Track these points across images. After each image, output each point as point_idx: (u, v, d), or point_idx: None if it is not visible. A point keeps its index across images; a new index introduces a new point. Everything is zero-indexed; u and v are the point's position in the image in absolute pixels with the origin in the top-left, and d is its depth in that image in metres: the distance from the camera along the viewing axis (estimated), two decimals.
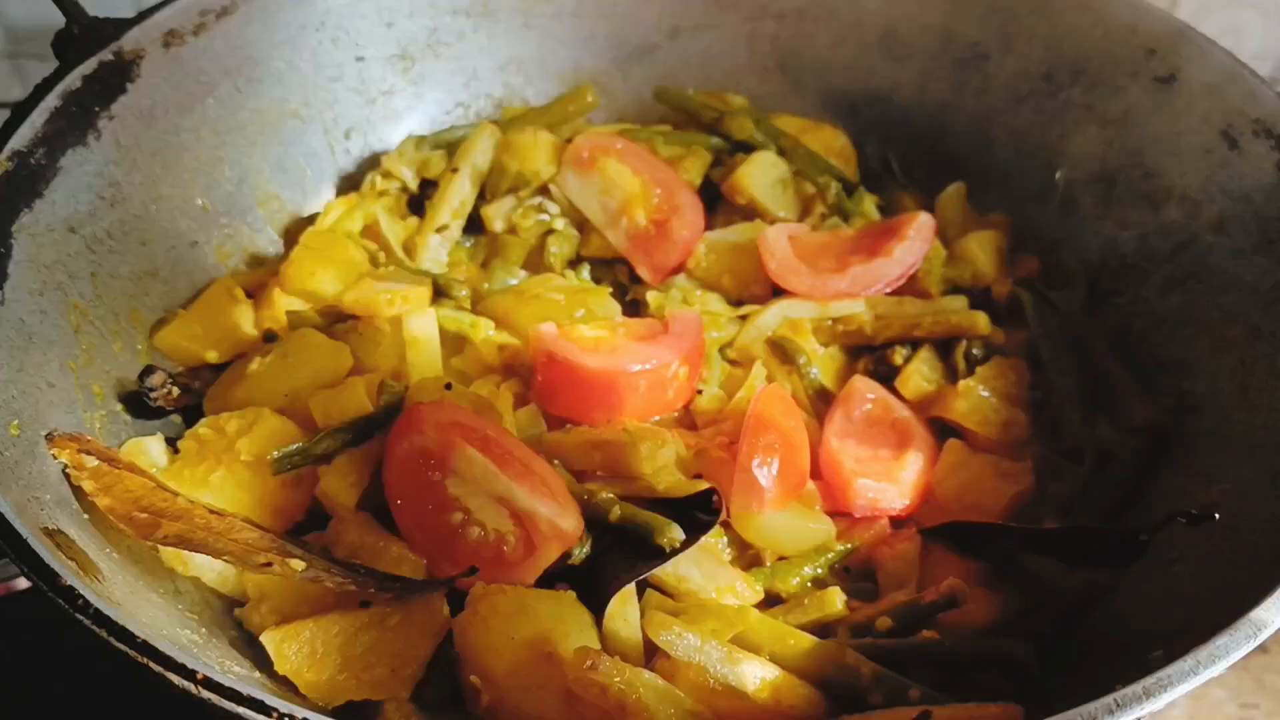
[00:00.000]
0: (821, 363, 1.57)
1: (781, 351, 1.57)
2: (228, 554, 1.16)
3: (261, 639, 1.17)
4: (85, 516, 1.19)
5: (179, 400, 1.45)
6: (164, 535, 1.16)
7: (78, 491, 1.20)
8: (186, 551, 1.22)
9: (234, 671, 1.10)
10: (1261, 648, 1.03)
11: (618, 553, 1.33)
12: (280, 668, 1.15)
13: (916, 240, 1.61)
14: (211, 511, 1.24)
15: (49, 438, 1.23)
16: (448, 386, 1.46)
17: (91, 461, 1.23)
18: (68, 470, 1.21)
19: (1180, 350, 1.50)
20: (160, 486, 1.25)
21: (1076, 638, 1.31)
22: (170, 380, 1.44)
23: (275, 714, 0.90)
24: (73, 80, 1.43)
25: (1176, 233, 1.55)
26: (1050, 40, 1.70)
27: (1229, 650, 1.00)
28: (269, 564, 1.15)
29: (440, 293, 1.59)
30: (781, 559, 1.39)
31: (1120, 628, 1.26)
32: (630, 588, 1.27)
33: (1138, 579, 1.31)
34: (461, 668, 1.21)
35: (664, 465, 1.39)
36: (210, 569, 1.28)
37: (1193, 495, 1.36)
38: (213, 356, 1.52)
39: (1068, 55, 1.69)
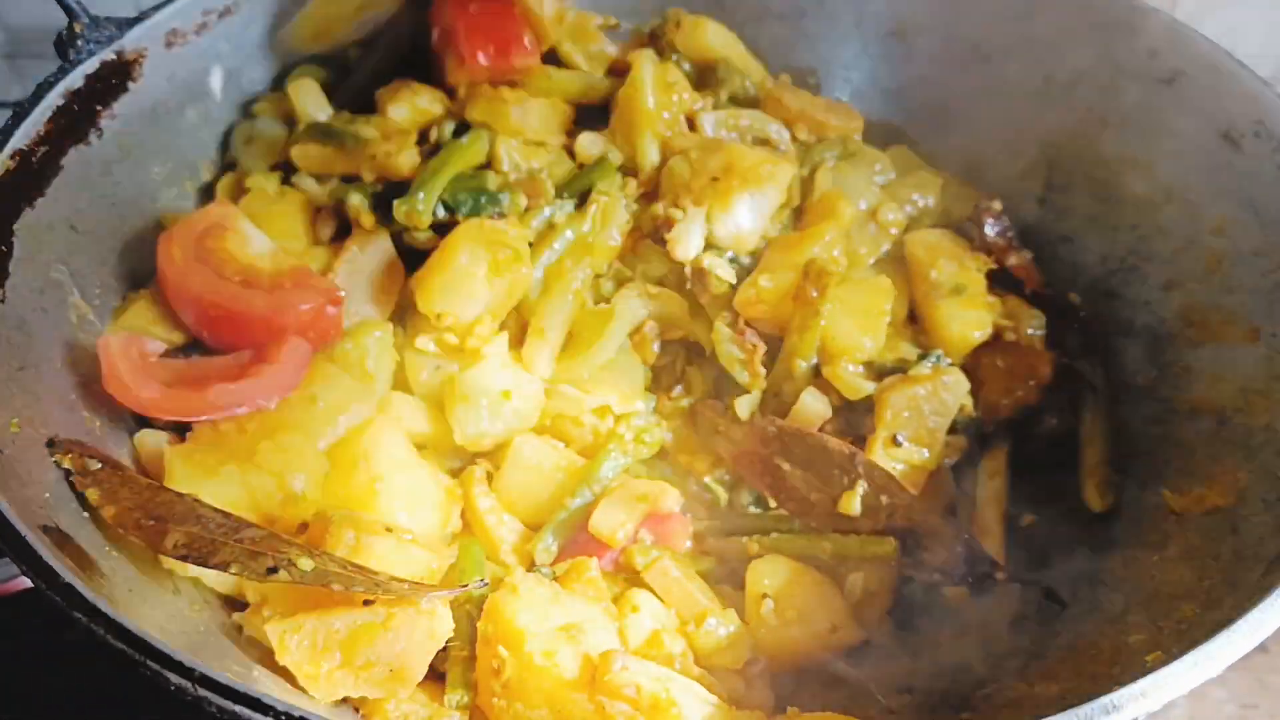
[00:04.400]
0: None
1: None
2: (235, 563, 1.15)
3: (265, 628, 1.16)
4: (85, 515, 1.19)
5: None
6: (173, 544, 1.16)
7: (82, 500, 1.20)
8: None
9: (232, 669, 1.10)
10: (1261, 648, 1.02)
11: None
12: (281, 658, 1.14)
13: (289, 365, 1.39)
14: (216, 510, 1.23)
15: (51, 444, 1.23)
16: None
17: (95, 465, 1.24)
18: (72, 478, 1.21)
19: (1180, 352, 1.51)
20: (162, 488, 1.26)
21: (1074, 639, 1.31)
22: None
23: (273, 712, 0.90)
24: (75, 79, 1.43)
25: (1177, 234, 1.55)
26: (1052, 42, 1.70)
27: (1227, 651, 1.00)
28: (275, 569, 1.15)
29: None
30: None
31: (1119, 628, 1.26)
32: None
33: (1136, 581, 1.31)
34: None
35: None
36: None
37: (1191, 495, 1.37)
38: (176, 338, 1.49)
39: (1069, 57, 1.68)
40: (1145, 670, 0.99)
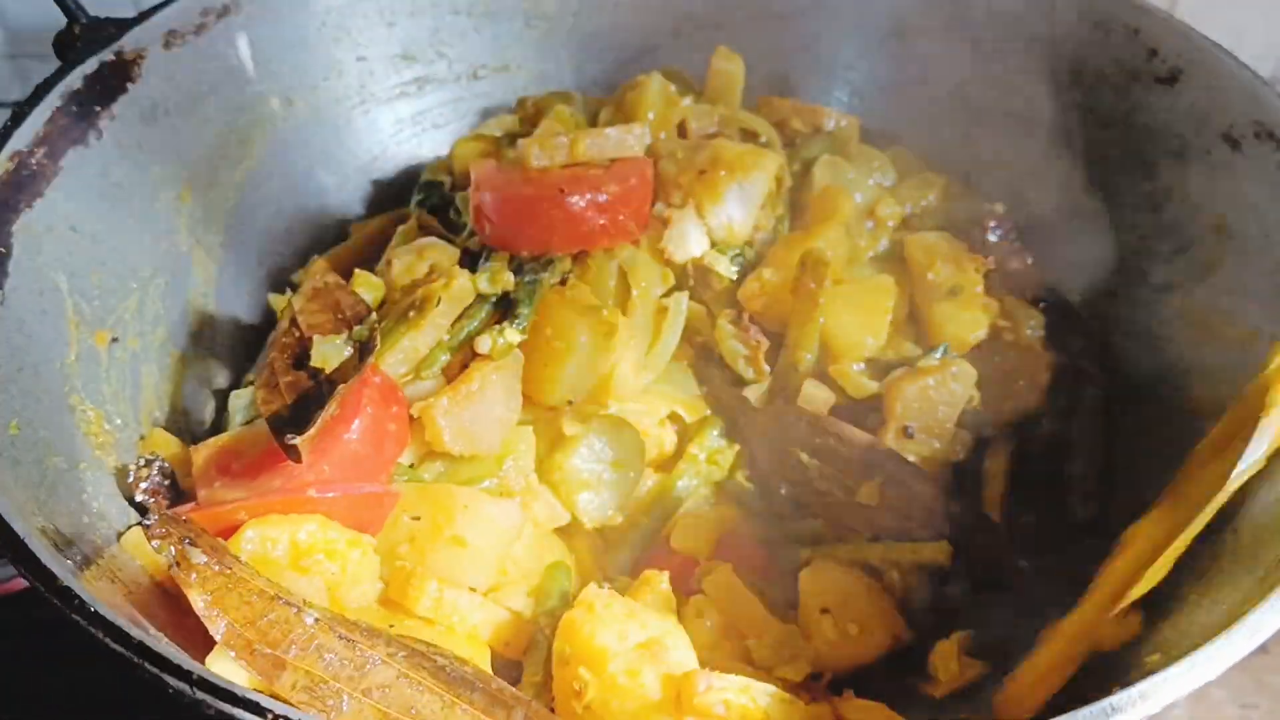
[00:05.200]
0: None
1: None
2: None
3: None
4: (85, 520, 1.19)
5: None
6: (290, 685, 1.03)
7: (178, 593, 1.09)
8: None
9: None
10: (1261, 648, 1.02)
11: None
12: None
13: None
14: (341, 636, 1.08)
15: (145, 520, 1.14)
16: None
17: (199, 557, 1.10)
18: (172, 569, 1.10)
19: (1180, 352, 1.50)
20: (278, 595, 1.10)
21: None
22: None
23: (270, 715, 0.90)
24: (74, 80, 1.43)
25: (1177, 234, 1.55)
26: (1052, 41, 1.70)
27: (1227, 653, 1.00)
28: None
29: None
30: None
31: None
32: None
33: None
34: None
35: None
36: None
37: None
38: None
39: (1069, 56, 1.68)
40: (1145, 672, 0.99)
